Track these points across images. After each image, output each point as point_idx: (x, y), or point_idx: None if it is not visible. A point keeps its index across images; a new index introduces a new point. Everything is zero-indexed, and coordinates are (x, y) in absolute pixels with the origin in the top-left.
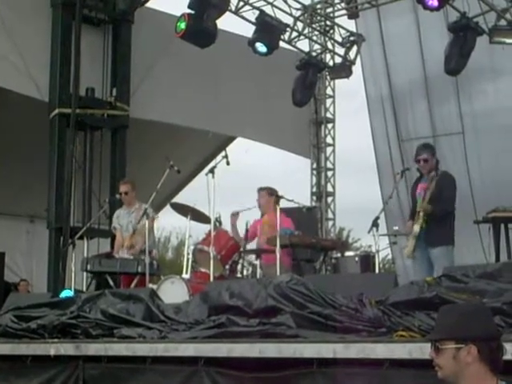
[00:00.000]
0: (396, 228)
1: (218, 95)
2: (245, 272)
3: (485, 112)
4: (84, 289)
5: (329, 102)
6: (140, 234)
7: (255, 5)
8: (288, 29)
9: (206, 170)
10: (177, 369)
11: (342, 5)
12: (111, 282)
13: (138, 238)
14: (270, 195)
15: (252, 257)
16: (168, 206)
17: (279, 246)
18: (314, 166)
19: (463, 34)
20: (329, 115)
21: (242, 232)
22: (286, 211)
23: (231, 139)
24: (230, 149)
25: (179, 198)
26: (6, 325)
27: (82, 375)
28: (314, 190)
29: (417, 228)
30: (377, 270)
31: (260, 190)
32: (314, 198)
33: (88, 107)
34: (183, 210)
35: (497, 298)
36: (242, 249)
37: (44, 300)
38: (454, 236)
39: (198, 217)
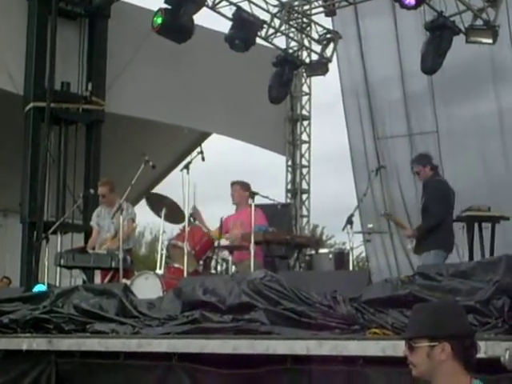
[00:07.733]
0: (370, 226)
1: (194, 91)
2: (219, 268)
3: (459, 112)
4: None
5: (305, 99)
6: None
7: (232, 0)
8: (265, 25)
9: (181, 165)
10: (151, 364)
11: (320, 2)
12: (85, 277)
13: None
14: (243, 190)
15: (225, 253)
16: (142, 202)
17: (253, 243)
18: (290, 163)
19: (440, 33)
20: (305, 112)
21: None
22: (261, 207)
23: (207, 135)
24: (206, 145)
25: None
26: None
27: (55, 370)
28: (289, 187)
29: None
30: (351, 268)
31: (233, 183)
32: (289, 194)
33: (63, 101)
34: (157, 203)
35: (470, 296)
36: (215, 244)
37: (16, 294)
38: (443, 240)
39: (172, 214)
